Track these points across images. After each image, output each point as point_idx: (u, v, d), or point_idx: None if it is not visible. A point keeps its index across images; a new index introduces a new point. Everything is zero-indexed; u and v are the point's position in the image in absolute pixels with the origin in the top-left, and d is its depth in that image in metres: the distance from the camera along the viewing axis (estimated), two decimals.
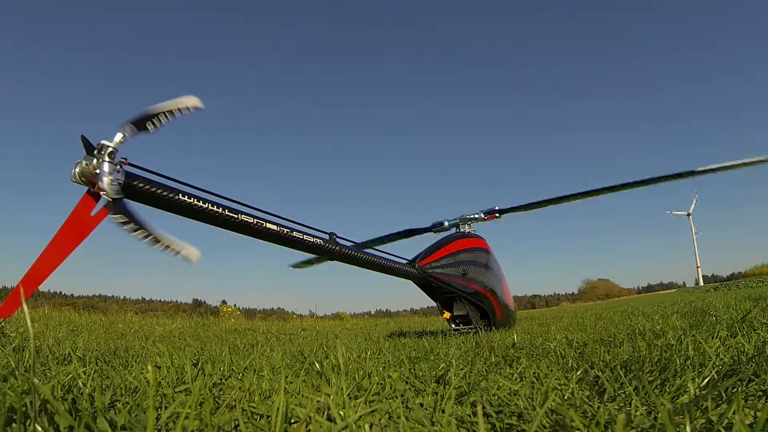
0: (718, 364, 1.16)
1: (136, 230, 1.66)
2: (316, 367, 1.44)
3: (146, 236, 1.66)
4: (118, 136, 1.71)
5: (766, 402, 0.92)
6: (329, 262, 2.84)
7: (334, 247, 2.71)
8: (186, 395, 1.09)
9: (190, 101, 1.85)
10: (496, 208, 4.23)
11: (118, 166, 1.71)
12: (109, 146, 1.67)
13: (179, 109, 1.84)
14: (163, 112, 1.80)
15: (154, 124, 1.78)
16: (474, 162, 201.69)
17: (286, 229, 2.40)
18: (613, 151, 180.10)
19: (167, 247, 1.67)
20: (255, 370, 1.46)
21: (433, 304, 3.98)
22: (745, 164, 3.66)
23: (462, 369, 1.34)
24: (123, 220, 1.66)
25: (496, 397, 1.04)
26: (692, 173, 3.69)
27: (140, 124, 1.76)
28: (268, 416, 0.91)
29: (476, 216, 4.22)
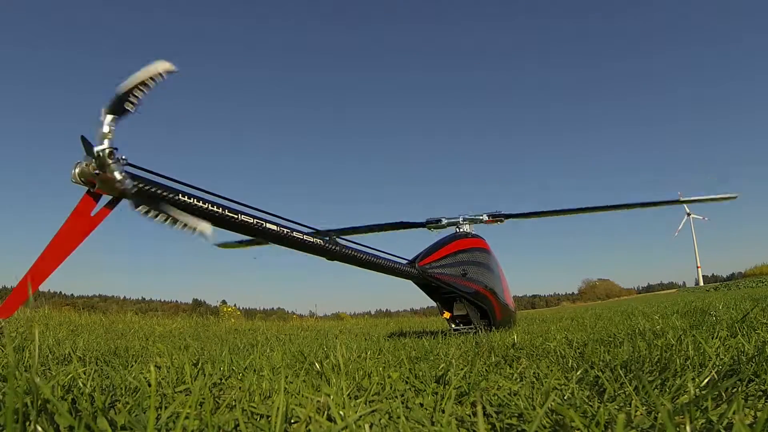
0: (718, 364, 1.16)
1: (157, 215, 1.74)
2: (316, 367, 1.44)
3: (167, 219, 1.74)
4: (105, 129, 1.61)
5: (766, 402, 0.92)
6: (326, 260, 2.83)
7: (333, 247, 2.71)
8: (186, 395, 1.09)
9: (161, 66, 1.66)
10: (502, 212, 4.22)
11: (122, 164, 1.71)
12: (108, 147, 1.66)
13: (152, 78, 1.65)
14: (136, 87, 1.63)
15: (131, 102, 1.63)
16: (474, 163, 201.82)
17: (285, 230, 2.40)
18: (618, 150, 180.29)
19: (185, 225, 1.75)
20: (255, 370, 1.46)
21: (433, 304, 3.98)
22: (714, 199, 4.61)
23: (462, 369, 1.33)
24: (146, 210, 1.73)
25: (496, 397, 1.04)
26: (677, 202, 4.74)
27: (117, 108, 1.62)
28: (268, 416, 0.91)
29: (479, 217, 4.20)
